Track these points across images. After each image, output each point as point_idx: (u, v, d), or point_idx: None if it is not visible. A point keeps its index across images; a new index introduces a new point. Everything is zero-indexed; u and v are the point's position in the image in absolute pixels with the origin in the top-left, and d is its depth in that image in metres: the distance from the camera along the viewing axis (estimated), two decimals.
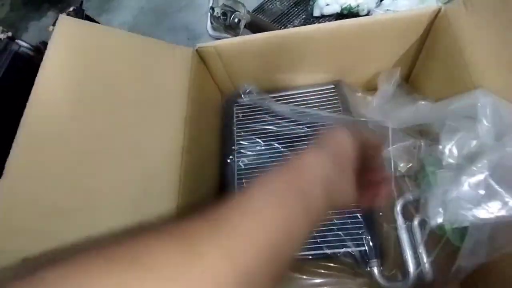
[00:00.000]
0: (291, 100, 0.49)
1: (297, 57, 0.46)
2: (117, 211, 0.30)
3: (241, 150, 0.47)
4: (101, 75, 0.34)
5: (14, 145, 0.27)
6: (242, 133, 0.48)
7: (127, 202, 0.31)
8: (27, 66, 0.46)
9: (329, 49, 0.44)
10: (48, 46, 0.31)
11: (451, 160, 0.31)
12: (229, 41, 0.44)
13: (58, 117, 0.30)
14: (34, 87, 0.29)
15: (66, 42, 0.33)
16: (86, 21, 0.36)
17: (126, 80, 0.35)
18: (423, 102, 0.40)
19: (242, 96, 0.50)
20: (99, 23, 0.80)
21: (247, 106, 0.50)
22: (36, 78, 0.30)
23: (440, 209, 0.27)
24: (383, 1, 0.64)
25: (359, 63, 0.48)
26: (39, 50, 0.55)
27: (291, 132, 0.46)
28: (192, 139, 0.38)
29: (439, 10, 0.38)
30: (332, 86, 0.49)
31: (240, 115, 0.49)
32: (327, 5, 0.67)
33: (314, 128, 0.45)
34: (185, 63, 0.41)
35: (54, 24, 0.66)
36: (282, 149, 0.45)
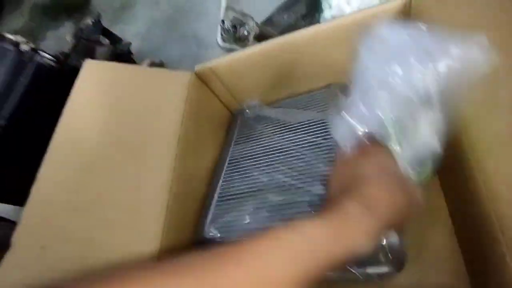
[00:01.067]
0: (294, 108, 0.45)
1: (296, 64, 0.45)
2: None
3: (234, 175, 0.41)
4: (120, 114, 0.39)
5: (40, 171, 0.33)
6: (239, 157, 0.43)
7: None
8: (49, 76, 0.48)
9: (328, 51, 0.42)
10: (74, 88, 0.39)
11: None
12: (223, 60, 0.43)
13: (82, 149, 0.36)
14: (59, 124, 0.36)
15: (89, 86, 0.40)
16: (111, 63, 0.41)
17: (129, 118, 0.39)
18: None
19: (245, 113, 0.47)
20: (115, 34, 0.83)
21: (249, 124, 0.46)
22: (62, 113, 0.37)
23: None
24: None
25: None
26: (58, 59, 0.58)
27: (292, 153, 0.38)
28: (183, 173, 0.36)
29: (410, 2, 0.37)
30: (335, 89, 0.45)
31: (241, 134, 0.46)
32: (333, 17, 0.69)
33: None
34: (182, 88, 0.40)
35: (71, 33, 0.70)
36: (281, 170, 0.37)
